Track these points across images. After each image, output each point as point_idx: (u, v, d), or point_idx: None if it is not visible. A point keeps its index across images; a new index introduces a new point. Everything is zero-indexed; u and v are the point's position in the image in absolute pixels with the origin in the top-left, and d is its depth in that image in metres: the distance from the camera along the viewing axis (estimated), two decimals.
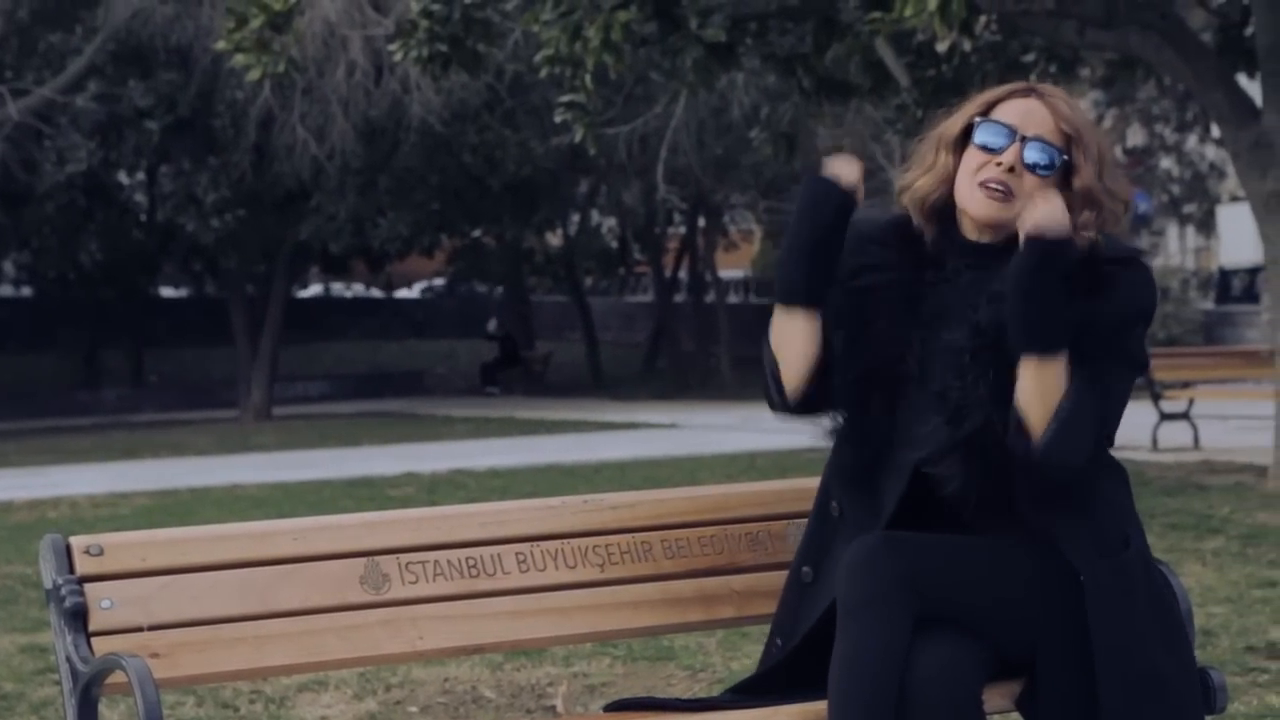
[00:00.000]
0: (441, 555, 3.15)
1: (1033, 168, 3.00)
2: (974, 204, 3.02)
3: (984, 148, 3.03)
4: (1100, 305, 2.94)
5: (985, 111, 3.07)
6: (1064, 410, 2.87)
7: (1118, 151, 31.86)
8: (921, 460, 2.97)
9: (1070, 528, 2.93)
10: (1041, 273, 2.86)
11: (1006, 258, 2.97)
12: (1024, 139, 3.01)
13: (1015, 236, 2.97)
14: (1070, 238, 2.88)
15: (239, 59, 11.87)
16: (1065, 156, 3.01)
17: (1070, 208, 2.96)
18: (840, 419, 3.07)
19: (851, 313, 3.04)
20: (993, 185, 3.00)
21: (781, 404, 3.08)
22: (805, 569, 3.10)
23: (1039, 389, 2.87)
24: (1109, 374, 2.95)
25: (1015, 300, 2.88)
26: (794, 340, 3.04)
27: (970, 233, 3.07)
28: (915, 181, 3.09)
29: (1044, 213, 2.88)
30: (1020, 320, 2.88)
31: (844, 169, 3.04)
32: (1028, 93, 3.08)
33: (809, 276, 3.02)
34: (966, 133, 3.07)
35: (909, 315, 3.02)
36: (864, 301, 3.04)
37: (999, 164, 3.00)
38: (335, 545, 3.08)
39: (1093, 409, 2.90)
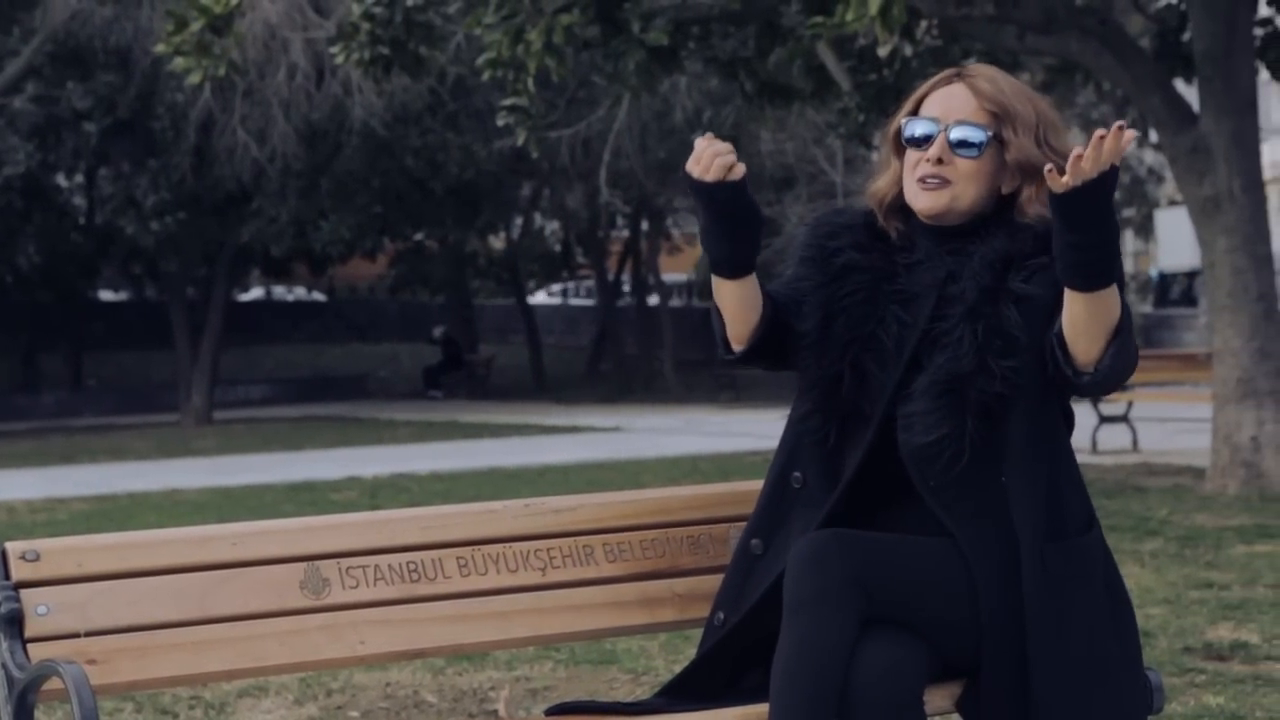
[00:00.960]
0: (382, 559, 3.14)
1: (960, 151, 3.05)
2: (916, 200, 3.09)
3: (914, 144, 3.09)
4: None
5: (915, 107, 3.13)
6: (1123, 325, 2.88)
7: None
8: (884, 428, 2.99)
9: (1028, 505, 2.94)
10: (1090, 210, 2.78)
11: (970, 233, 3.05)
12: (947, 127, 3.06)
13: (976, 222, 3.05)
14: (1111, 169, 2.78)
15: (179, 62, 11.79)
16: (992, 133, 3.05)
17: (1011, 182, 3.05)
18: (813, 389, 3.08)
19: (828, 291, 3.09)
20: (928, 179, 3.06)
21: (728, 353, 3.15)
22: (755, 541, 3.11)
23: (1097, 316, 2.85)
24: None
25: (1069, 246, 2.81)
26: (730, 303, 3.08)
27: (926, 221, 3.12)
28: (882, 188, 3.16)
29: (1082, 165, 2.76)
30: (1076, 261, 2.82)
31: (702, 165, 2.98)
32: (953, 78, 3.13)
33: (727, 252, 3.03)
34: (900, 131, 3.14)
35: (883, 292, 3.06)
36: (840, 281, 3.09)
37: (927, 159, 3.06)
38: (275, 550, 3.06)
39: (1129, 320, 2.93)
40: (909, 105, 3.14)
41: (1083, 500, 3.05)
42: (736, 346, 3.11)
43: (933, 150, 3.06)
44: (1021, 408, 2.96)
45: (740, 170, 2.97)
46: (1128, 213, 35.40)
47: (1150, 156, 33.31)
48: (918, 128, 3.09)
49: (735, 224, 3.00)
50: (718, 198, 2.97)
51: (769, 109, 13.65)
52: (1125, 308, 2.92)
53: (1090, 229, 2.79)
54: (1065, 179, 2.75)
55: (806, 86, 12.98)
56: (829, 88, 12.79)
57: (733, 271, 3.03)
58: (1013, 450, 2.96)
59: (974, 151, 3.05)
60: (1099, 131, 2.73)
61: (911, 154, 3.09)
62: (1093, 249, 2.80)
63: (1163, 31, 12.71)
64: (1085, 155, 2.73)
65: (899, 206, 3.15)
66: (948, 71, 3.17)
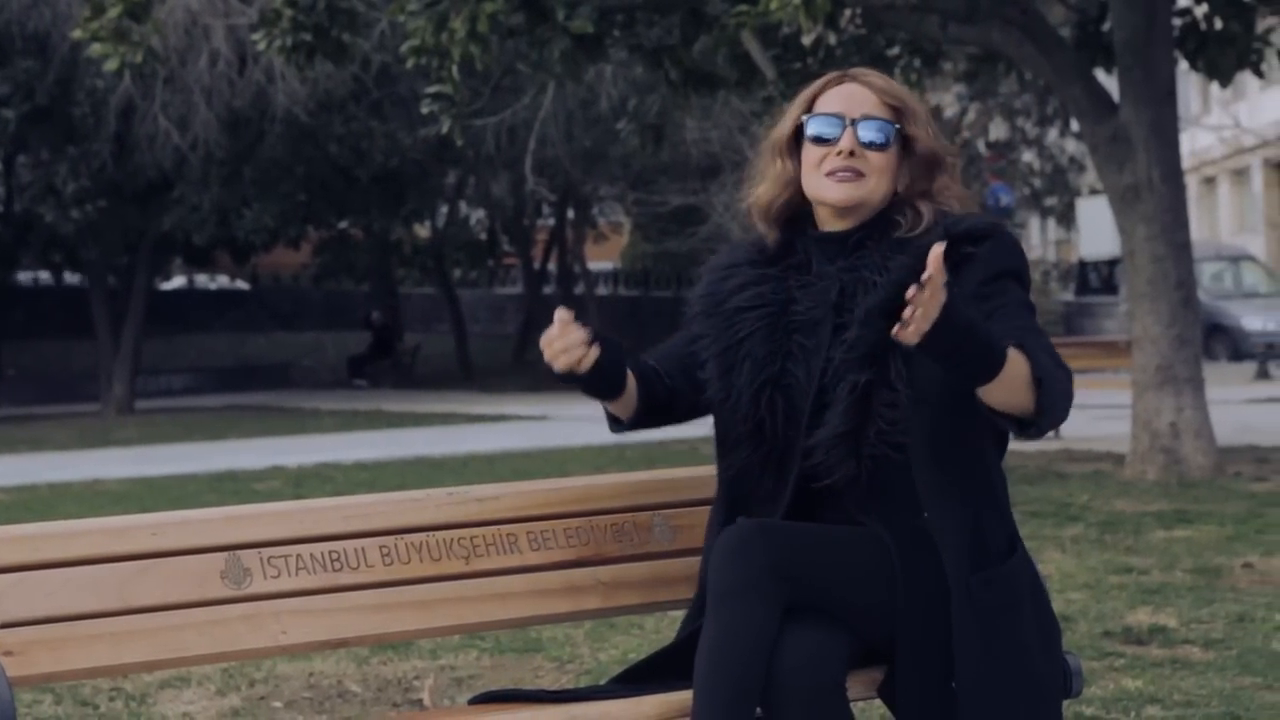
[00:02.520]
0: (304, 549, 3.12)
1: (869, 145, 3.07)
2: (829, 192, 3.08)
3: (819, 141, 3.09)
4: (971, 275, 2.97)
5: (809, 108, 3.13)
6: (1039, 373, 2.86)
7: (980, 146, 32.29)
8: (807, 454, 3.01)
9: (954, 533, 2.95)
10: (954, 342, 2.75)
11: (864, 242, 3.05)
12: (854, 121, 3.07)
13: (869, 219, 3.07)
14: (943, 301, 2.71)
15: (96, 49, 11.65)
16: (898, 127, 3.08)
17: (917, 175, 3.08)
18: (740, 444, 3.09)
19: (725, 336, 3.11)
20: (840, 171, 3.06)
21: (615, 425, 3.25)
22: None
23: (1003, 390, 2.84)
24: (1020, 319, 2.95)
25: (947, 369, 2.82)
26: (611, 406, 3.19)
27: (825, 223, 3.13)
28: (767, 194, 3.16)
29: (917, 317, 2.70)
30: (959, 376, 2.83)
31: (548, 355, 2.98)
32: (842, 79, 3.16)
33: (591, 394, 3.11)
34: (798, 133, 3.13)
35: (782, 325, 3.07)
36: (736, 325, 3.10)
37: (839, 152, 3.07)
38: (195, 540, 3.04)
39: (1046, 352, 2.91)
40: (800, 106, 3.15)
41: (1005, 525, 3.06)
42: (627, 421, 3.21)
43: (843, 144, 3.07)
44: (927, 445, 2.96)
45: (589, 362, 2.98)
46: (1049, 201, 35.69)
47: (1072, 145, 33.60)
48: (823, 124, 3.09)
49: (592, 390, 3.09)
50: (570, 379, 3.03)
51: (694, 97, 13.65)
52: (1035, 343, 2.88)
53: (954, 351, 2.77)
54: (910, 335, 2.70)
55: (731, 75, 12.99)
56: (754, 76, 12.80)
57: (612, 398, 3.14)
58: (924, 488, 2.97)
59: (883, 145, 3.08)
60: (911, 291, 2.66)
61: (815, 150, 3.09)
62: (967, 362, 2.80)
63: (1083, 21, 12.81)
64: (914, 316, 2.67)
65: (788, 213, 3.14)
66: (833, 74, 3.19)
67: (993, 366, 2.80)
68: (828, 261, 3.09)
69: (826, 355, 3.03)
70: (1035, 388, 2.86)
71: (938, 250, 2.67)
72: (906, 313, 2.67)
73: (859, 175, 3.06)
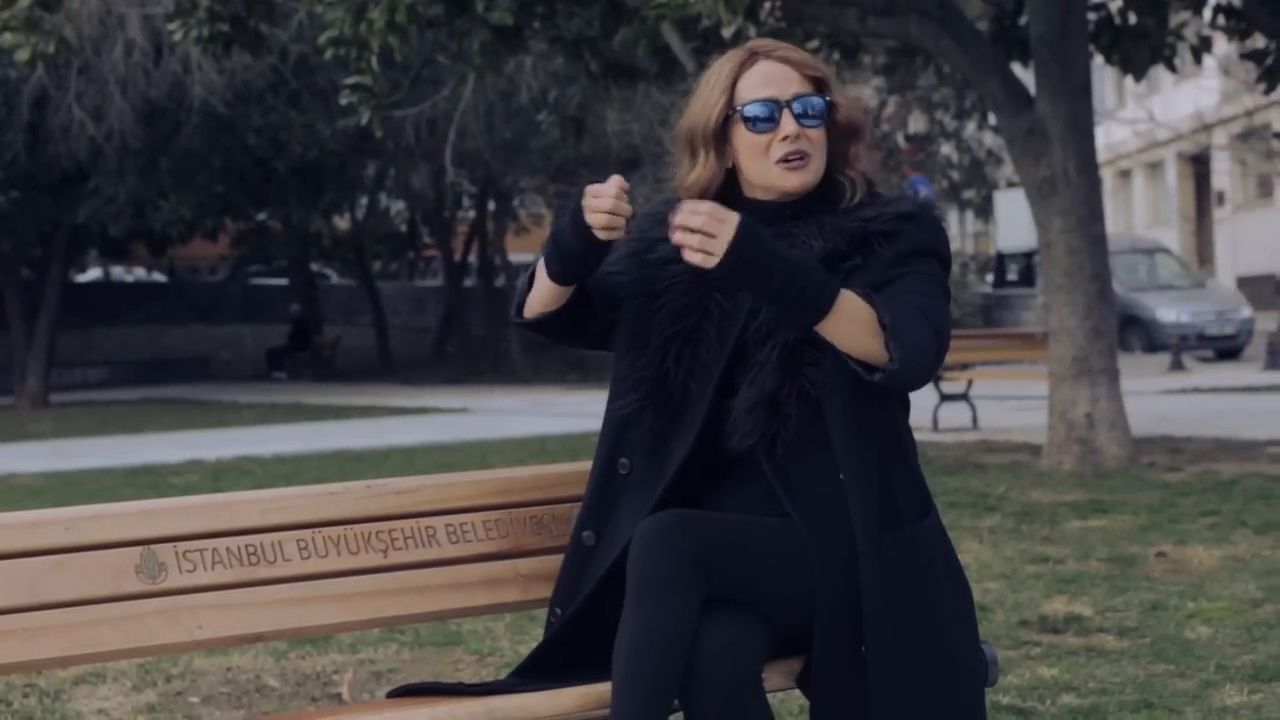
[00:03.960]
0: (220, 543, 3.09)
1: (808, 124, 3.08)
2: (784, 181, 3.08)
3: (757, 127, 3.08)
4: (887, 252, 3.00)
5: (730, 93, 3.10)
6: (891, 322, 2.88)
7: (899, 139, 32.49)
8: (721, 414, 3.02)
9: (865, 491, 2.97)
10: (755, 268, 2.82)
11: (798, 213, 3.07)
12: (787, 103, 3.08)
13: (801, 194, 3.08)
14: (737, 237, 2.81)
15: (7, 38, 11.49)
16: (827, 99, 3.10)
17: (838, 142, 3.10)
18: (640, 384, 3.09)
19: (647, 283, 3.11)
20: (791, 158, 3.07)
21: (518, 315, 3.19)
22: (586, 533, 3.12)
23: (844, 330, 2.87)
24: (909, 289, 2.97)
25: (764, 305, 2.89)
26: (541, 291, 3.13)
27: (758, 195, 3.13)
28: (690, 177, 3.14)
29: (691, 243, 2.82)
30: (776, 315, 2.89)
31: (600, 219, 2.97)
32: (754, 58, 3.13)
33: (565, 272, 3.07)
34: (724, 120, 3.11)
35: (700, 283, 3.07)
36: (660, 272, 3.10)
37: (784, 138, 3.06)
38: (109, 534, 3.01)
39: (914, 309, 2.93)
40: (721, 93, 3.10)
41: (918, 488, 3.07)
42: (528, 313, 3.15)
43: (786, 129, 3.06)
44: (843, 402, 2.97)
45: (613, 236, 2.97)
46: (968, 194, 35.94)
47: (989, 139, 33.85)
48: (758, 109, 3.08)
49: (573, 265, 3.05)
50: (591, 245, 3.00)
51: (614, 89, 13.66)
52: (904, 303, 2.91)
53: (761, 285, 2.83)
54: (695, 260, 2.82)
55: (652, 67, 13.00)
56: (674, 68, 12.82)
57: (564, 280, 3.08)
58: (840, 444, 2.98)
59: (818, 121, 3.08)
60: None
61: (756, 138, 3.08)
62: (780, 298, 2.84)
63: (1000, 16, 12.91)
64: (688, 245, 2.80)
65: (718, 195, 3.12)
66: (740, 53, 3.15)
67: (812, 305, 2.84)
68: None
69: (746, 317, 3.04)
70: (883, 335, 2.87)
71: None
72: (680, 239, 2.80)
73: (805, 158, 3.07)
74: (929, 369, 2.93)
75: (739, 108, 3.09)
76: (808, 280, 2.84)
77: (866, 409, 2.99)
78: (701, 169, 3.12)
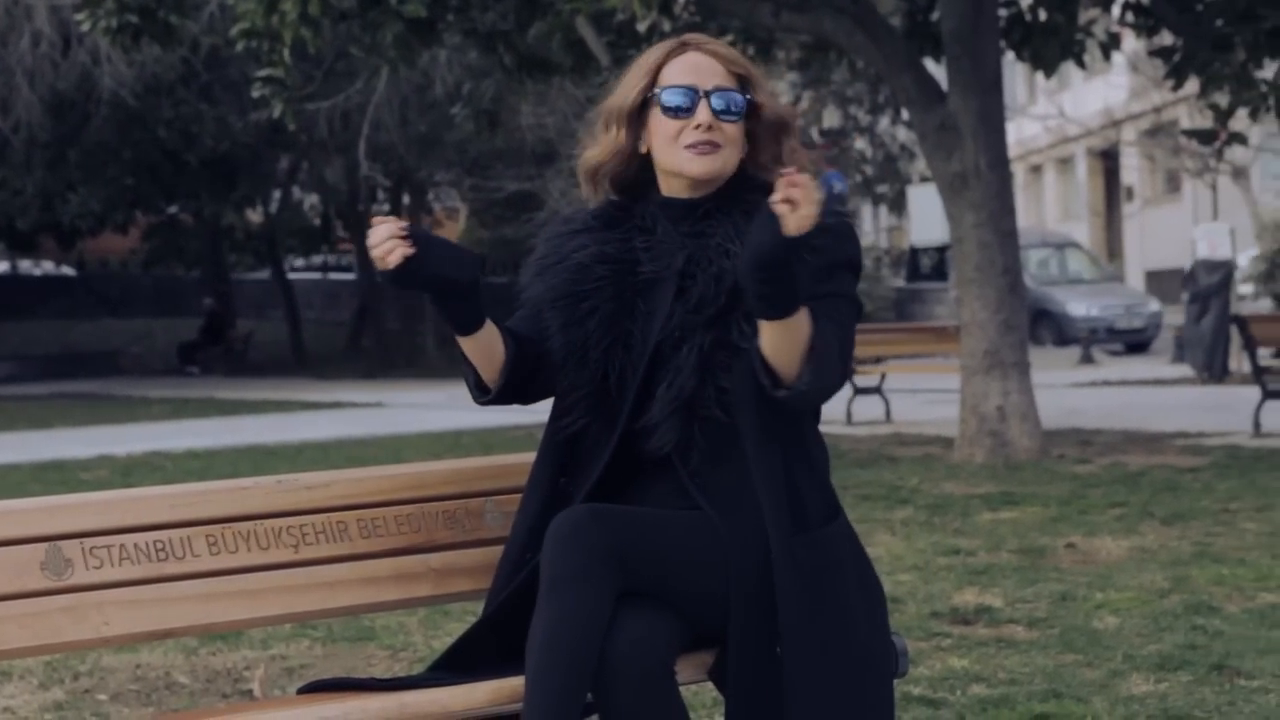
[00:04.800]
0: (128, 539, 3.06)
1: (724, 117, 3.09)
2: (689, 165, 3.09)
3: (673, 113, 3.09)
4: (807, 266, 3.00)
5: (653, 78, 3.13)
6: (817, 345, 2.91)
7: (814, 133, 32.63)
8: (637, 415, 3.03)
9: (775, 495, 2.99)
10: (787, 258, 2.85)
11: (713, 211, 3.08)
12: (706, 93, 3.09)
13: (717, 189, 3.09)
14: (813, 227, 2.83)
15: None
16: (748, 96, 3.10)
17: (765, 141, 3.12)
18: (582, 400, 3.09)
19: (569, 289, 3.10)
20: (700, 145, 3.08)
21: (482, 396, 3.17)
22: (530, 555, 3.08)
23: (787, 339, 2.89)
24: (836, 310, 3.02)
25: (758, 281, 2.86)
26: (470, 353, 3.11)
27: (674, 191, 3.14)
28: (596, 157, 3.16)
29: (800, 215, 2.81)
30: (765, 297, 2.88)
31: (378, 256, 2.96)
32: (684, 48, 3.16)
33: (446, 317, 3.05)
34: (642, 103, 3.13)
35: (628, 283, 3.08)
36: (582, 279, 3.10)
37: (696, 126, 3.08)
38: (13, 530, 2.97)
39: (835, 337, 2.98)
40: (644, 76, 3.13)
41: (825, 494, 3.09)
42: (490, 386, 3.13)
43: (700, 117, 3.08)
44: (754, 409, 2.99)
45: (398, 256, 2.92)
46: (881, 188, 36.16)
47: (903, 133, 34.06)
48: (676, 96, 3.09)
49: (440, 297, 3.01)
50: (405, 281, 2.96)
51: (529, 83, 13.63)
52: (829, 327, 2.96)
53: (779, 266, 2.84)
54: (791, 227, 2.80)
55: (566, 61, 12.99)
56: (589, 62, 12.82)
57: (460, 330, 3.06)
58: (750, 449, 3.00)
59: (736, 116, 3.10)
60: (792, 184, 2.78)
61: (670, 124, 3.09)
62: (779, 282, 2.85)
63: (912, 11, 13.01)
64: (803, 205, 2.79)
65: (626, 179, 3.15)
66: (672, 42, 3.19)
67: (791, 304, 2.87)
68: (673, 225, 3.11)
69: (665, 319, 3.04)
70: (807, 356, 2.91)
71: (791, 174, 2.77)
72: (792, 194, 2.77)
73: (715, 148, 3.08)
74: (828, 396, 3.00)
75: (658, 91, 3.11)
76: (798, 281, 2.87)
77: (775, 417, 3.01)
78: (607, 145, 3.14)
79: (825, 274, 3.02)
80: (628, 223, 3.16)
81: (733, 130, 3.10)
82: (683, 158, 3.09)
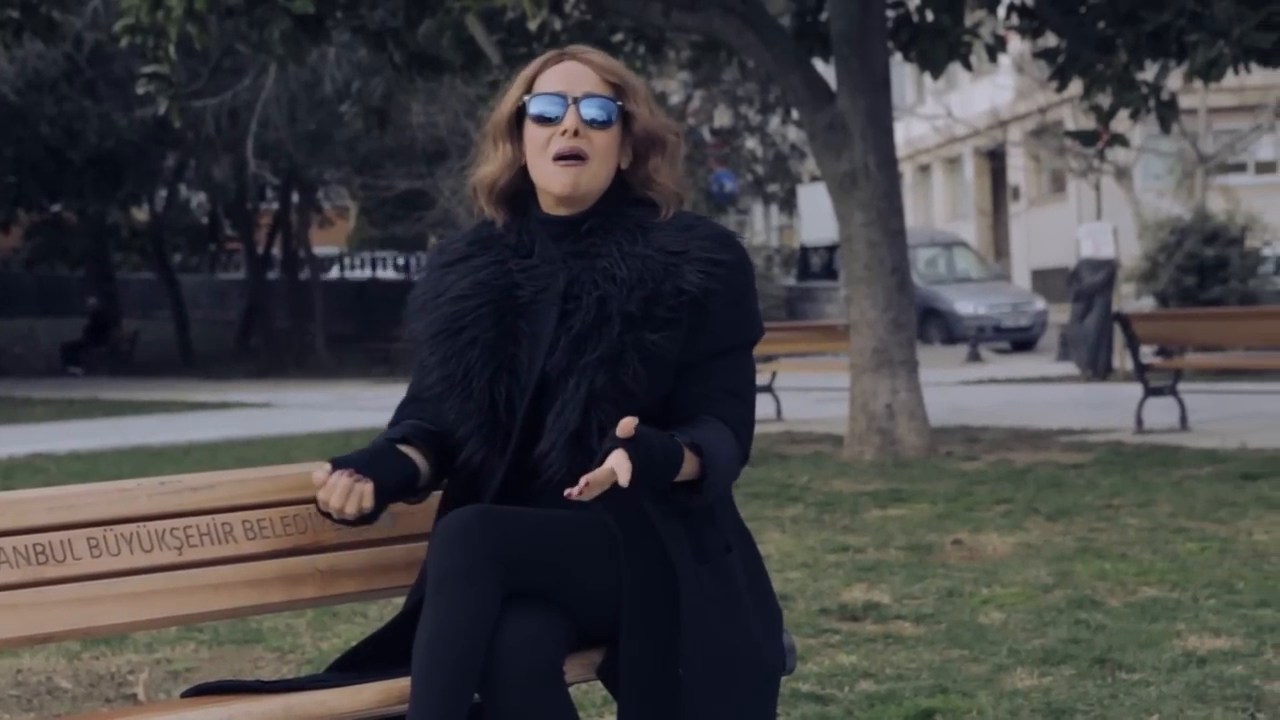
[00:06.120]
0: (5, 542, 3.00)
1: (592, 123, 3.05)
2: (554, 180, 3.05)
3: (541, 120, 3.06)
4: (706, 291, 2.99)
5: (529, 88, 3.11)
6: (712, 459, 2.90)
7: (705, 133, 32.74)
8: (529, 445, 3.00)
9: (674, 530, 2.98)
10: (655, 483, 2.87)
11: (594, 229, 3.04)
12: (576, 100, 3.06)
13: (594, 205, 3.06)
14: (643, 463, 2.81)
15: None
16: (620, 104, 3.08)
17: (638, 154, 3.09)
18: (474, 434, 3.06)
19: (446, 323, 3.07)
20: (565, 154, 3.04)
21: (422, 497, 3.22)
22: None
23: (675, 476, 2.91)
24: (728, 382, 3.02)
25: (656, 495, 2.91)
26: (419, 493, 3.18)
27: (550, 208, 3.11)
28: (488, 175, 3.13)
29: (610, 475, 2.78)
30: (663, 490, 2.91)
31: (333, 507, 3.03)
32: (561, 58, 3.13)
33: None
34: (519, 115, 3.10)
35: (508, 309, 3.04)
36: (456, 310, 3.06)
37: (564, 132, 3.04)
38: None
39: (724, 427, 2.98)
40: (520, 87, 3.11)
41: (726, 519, 3.08)
42: (429, 491, 3.20)
43: (567, 123, 3.04)
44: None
45: (369, 500, 3.01)
46: (772, 187, 36.35)
47: (793, 133, 34.27)
48: (545, 104, 3.06)
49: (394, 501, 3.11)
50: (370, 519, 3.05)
51: (419, 81, 13.56)
52: (725, 437, 2.96)
53: (661, 475, 2.86)
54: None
55: (456, 59, 12.92)
56: (479, 60, 12.77)
57: (411, 500, 3.18)
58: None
59: (606, 124, 3.06)
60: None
61: (539, 132, 3.06)
62: (653, 482, 2.87)
63: (802, 11, 13.09)
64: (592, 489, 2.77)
65: (510, 195, 3.12)
66: (552, 53, 3.16)
67: (668, 479, 2.88)
68: (553, 244, 3.08)
69: (550, 342, 3.02)
70: (700, 473, 2.91)
71: (627, 425, 2.76)
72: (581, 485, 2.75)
73: (582, 158, 3.04)
74: (734, 477, 3.03)
75: (527, 99, 3.08)
76: (671, 468, 2.87)
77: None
78: (493, 161, 3.12)
79: (720, 356, 3.01)
80: (502, 242, 3.12)
81: (603, 141, 3.05)
82: (549, 172, 3.05)
